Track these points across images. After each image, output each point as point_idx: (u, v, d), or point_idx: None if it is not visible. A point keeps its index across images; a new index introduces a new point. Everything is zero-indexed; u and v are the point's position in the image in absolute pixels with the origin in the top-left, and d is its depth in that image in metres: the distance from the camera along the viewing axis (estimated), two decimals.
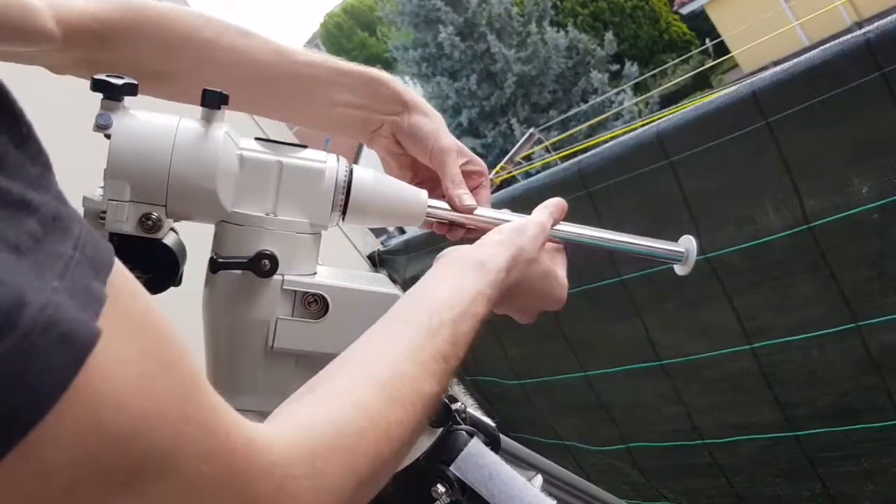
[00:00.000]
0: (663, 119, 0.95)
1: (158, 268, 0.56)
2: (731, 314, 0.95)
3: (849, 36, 0.77)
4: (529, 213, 0.63)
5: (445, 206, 0.65)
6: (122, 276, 0.29)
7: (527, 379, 1.30)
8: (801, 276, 0.88)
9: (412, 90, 0.70)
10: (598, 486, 1.30)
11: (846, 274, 0.85)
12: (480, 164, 0.71)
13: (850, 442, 0.94)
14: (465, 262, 0.55)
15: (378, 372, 0.43)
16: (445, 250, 0.58)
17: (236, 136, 0.57)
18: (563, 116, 13.13)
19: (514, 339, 1.29)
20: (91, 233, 0.28)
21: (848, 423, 0.94)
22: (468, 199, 0.66)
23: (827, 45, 0.78)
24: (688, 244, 0.68)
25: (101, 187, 0.54)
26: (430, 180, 0.71)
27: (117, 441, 0.26)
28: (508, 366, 1.31)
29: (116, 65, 0.62)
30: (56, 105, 1.11)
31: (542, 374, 1.26)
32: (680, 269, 0.69)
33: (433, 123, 0.68)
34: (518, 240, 0.59)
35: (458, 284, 0.52)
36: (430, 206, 0.63)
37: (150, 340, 0.29)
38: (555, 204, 0.64)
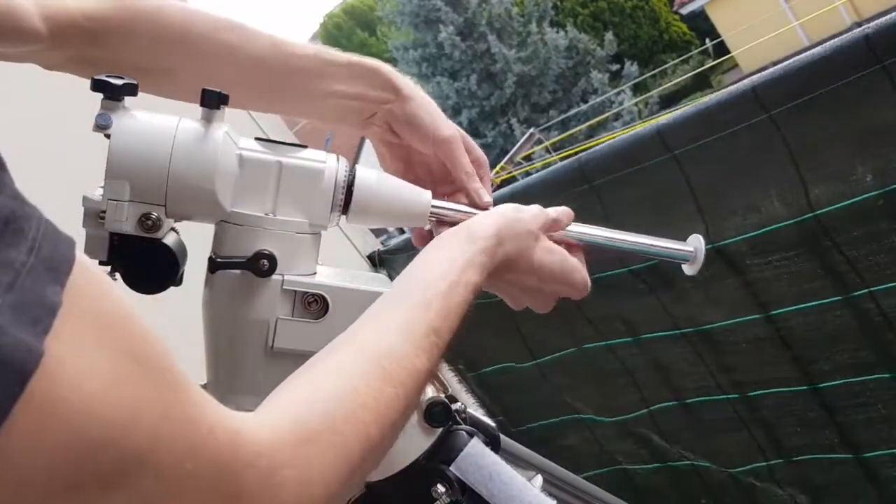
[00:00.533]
0: (664, 118, 0.96)
1: (158, 267, 0.56)
2: (744, 289, 0.98)
3: (848, 34, 0.78)
4: None
5: (449, 205, 0.64)
6: (86, 276, 0.28)
7: (544, 356, 1.30)
8: (808, 258, 0.90)
9: (408, 79, 0.68)
10: (617, 455, 1.32)
11: (854, 255, 0.87)
12: (481, 155, 0.70)
13: (868, 389, 0.97)
14: (452, 235, 0.56)
15: (369, 352, 0.43)
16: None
17: (236, 136, 0.57)
18: (563, 116, 13.14)
19: (530, 318, 1.29)
20: (50, 231, 0.27)
21: (864, 374, 0.96)
22: (486, 195, 0.65)
23: (826, 43, 0.78)
24: (696, 243, 0.67)
25: (102, 187, 0.54)
26: (425, 173, 0.70)
27: (91, 449, 0.26)
28: (524, 346, 1.32)
29: (109, 62, 0.61)
30: (56, 105, 1.11)
31: (561, 349, 1.27)
32: (689, 269, 0.68)
33: (430, 112, 0.66)
34: (510, 212, 0.59)
35: (447, 257, 0.52)
36: (433, 207, 0.63)
37: (119, 341, 0.28)
38: (563, 210, 0.64)
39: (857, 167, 0.81)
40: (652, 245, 0.68)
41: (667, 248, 0.68)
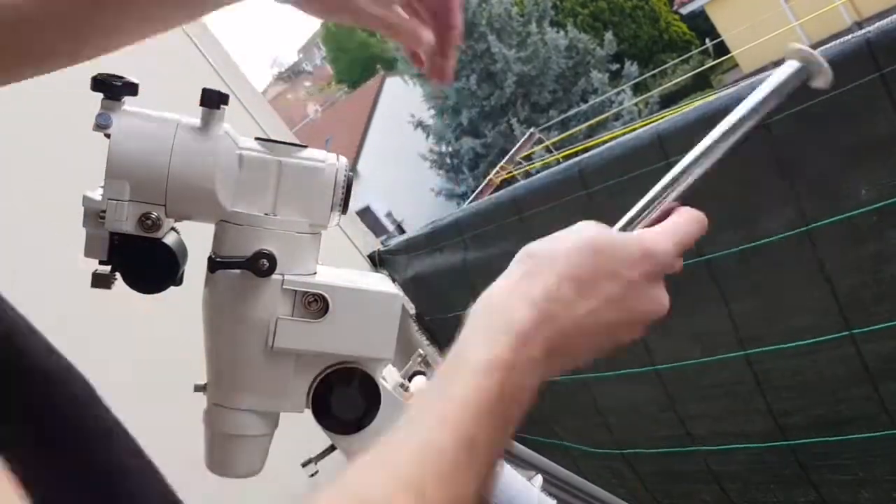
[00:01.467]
0: (664, 119, 0.95)
1: (158, 267, 0.56)
2: (727, 320, 0.95)
3: (850, 36, 0.77)
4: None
5: None
6: None
7: None
8: (797, 281, 0.88)
9: None
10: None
11: (842, 279, 0.84)
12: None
13: (844, 450, 0.94)
14: (488, 329, 0.41)
15: None
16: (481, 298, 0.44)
17: (235, 135, 0.57)
18: (563, 116, 13.14)
19: None
20: None
21: (841, 433, 0.93)
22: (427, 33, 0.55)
23: (828, 46, 0.78)
24: (802, 55, 0.53)
25: (102, 186, 0.55)
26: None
27: None
28: None
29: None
30: (56, 104, 1.11)
31: None
32: (819, 81, 0.54)
33: None
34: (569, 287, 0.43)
35: (465, 390, 0.39)
36: None
37: None
38: (685, 227, 0.48)
39: (852, 181, 0.80)
40: (758, 97, 0.53)
41: (779, 82, 0.54)
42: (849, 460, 0.94)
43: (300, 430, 0.61)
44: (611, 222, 0.62)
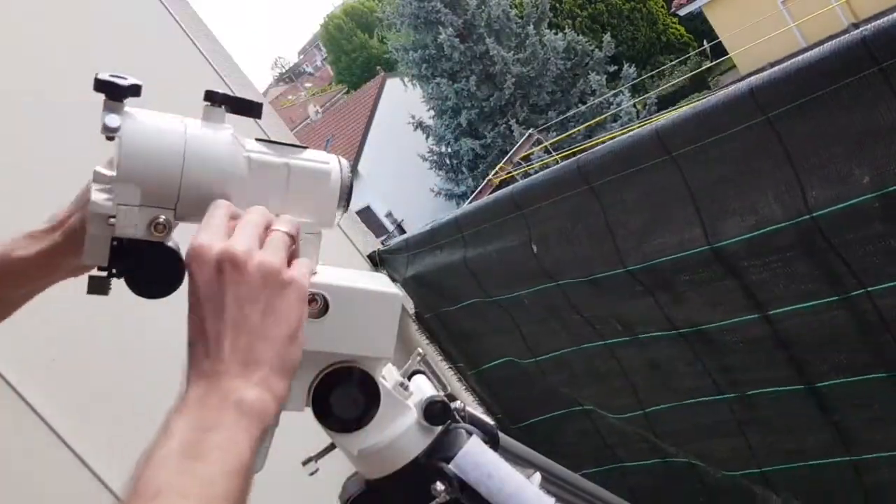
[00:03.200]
0: (662, 119, 0.96)
1: (166, 272, 0.54)
2: (742, 291, 0.97)
3: (845, 36, 0.78)
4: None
5: None
6: None
7: (544, 355, 1.30)
8: (806, 260, 0.90)
9: None
10: (618, 449, 1.32)
11: (850, 255, 0.87)
12: None
13: (863, 390, 0.97)
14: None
15: None
16: None
17: (241, 137, 0.57)
18: (562, 118, 13.15)
19: (528, 318, 1.29)
20: None
21: (860, 374, 0.96)
22: None
23: (823, 45, 0.78)
24: None
25: (103, 189, 0.53)
26: None
27: None
28: (524, 344, 1.32)
29: None
30: (59, 106, 1.12)
31: (560, 348, 1.27)
32: None
33: None
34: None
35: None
36: None
37: None
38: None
39: (855, 169, 0.81)
40: None
41: None
42: (867, 399, 0.97)
43: (300, 428, 0.61)
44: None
